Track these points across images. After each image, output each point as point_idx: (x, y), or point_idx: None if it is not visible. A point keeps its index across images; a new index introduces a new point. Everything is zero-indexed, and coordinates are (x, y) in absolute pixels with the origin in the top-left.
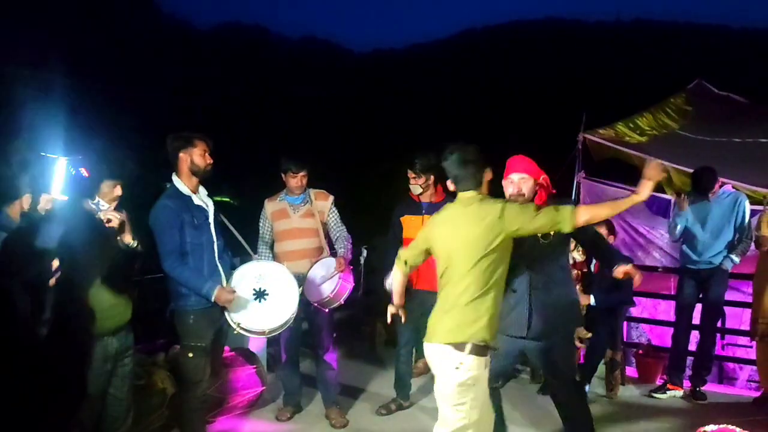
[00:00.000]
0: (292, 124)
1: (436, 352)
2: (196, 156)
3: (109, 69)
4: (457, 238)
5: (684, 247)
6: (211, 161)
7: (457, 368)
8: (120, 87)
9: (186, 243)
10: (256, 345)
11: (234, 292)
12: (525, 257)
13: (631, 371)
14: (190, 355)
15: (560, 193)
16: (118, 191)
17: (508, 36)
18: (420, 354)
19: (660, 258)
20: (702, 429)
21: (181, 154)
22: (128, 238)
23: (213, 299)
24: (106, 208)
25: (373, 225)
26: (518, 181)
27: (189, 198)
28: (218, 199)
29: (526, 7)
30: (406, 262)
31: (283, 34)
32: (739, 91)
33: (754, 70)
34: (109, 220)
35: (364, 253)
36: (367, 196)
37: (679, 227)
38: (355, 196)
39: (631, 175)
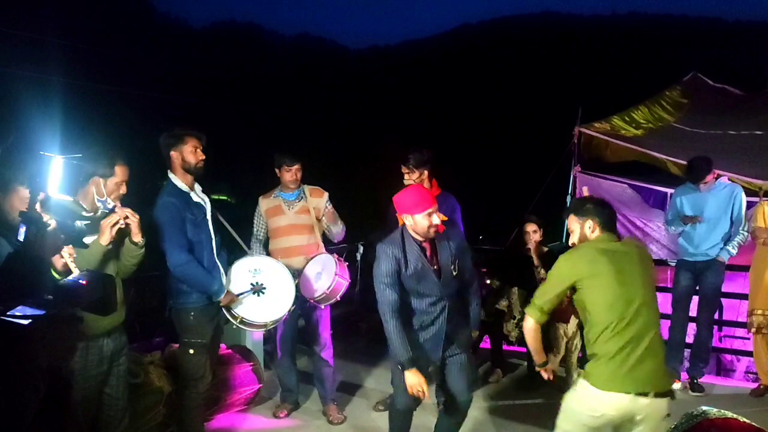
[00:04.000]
0: (288, 121)
1: (654, 406)
2: (187, 153)
3: (103, 68)
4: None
5: (680, 239)
6: (203, 158)
7: (667, 416)
8: (115, 86)
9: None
10: (253, 342)
11: (236, 295)
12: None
13: None
14: (191, 351)
15: (557, 186)
16: (123, 189)
17: (504, 31)
18: None
19: (657, 251)
20: (703, 409)
21: (172, 152)
22: (138, 237)
23: (218, 299)
24: (113, 206)
25: (369, 221)
26: (435, 212)
27: (188, 195)
28: (216, 197)
29: (521, 2)
30: (542, 309)
31: (277, 32)
32: (734, 84)
33: (749, 63)
34: (126, 217)
35: (361, 249)
36: (363, 192)
37: (676, 228)
38: (351, 193)
39: (626, 169)
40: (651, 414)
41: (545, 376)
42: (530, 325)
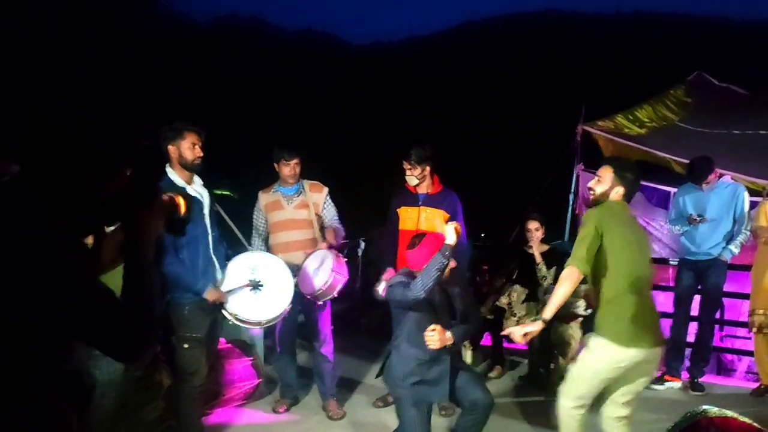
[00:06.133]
0: (291, 116)
1: (657, 353)
2: (185, 149)
3: (107, 62)
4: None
5: (682, 238)
6: (201, 154)
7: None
8: (118, 80)
9: (180, 236)
10: (253, 337)
11: (224, 292)
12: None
13: None
14: (186, 346)
15: (560, 184)
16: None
17: (508, 28)
18: None
19: (659, 250)
20: (703, 407)
21: (170, 147)
22: None
23: (204, 296)
24: None
25: (370, 217)
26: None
27: (183, 189)
28: (219, 192)
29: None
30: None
31: (281, 26)
32: (739, 83)
33: (754, 62)
34: None
35: (362, 245)
36: (364, 188)
37: (681, 228)
38: (353, 189)
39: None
40: (654, 359)
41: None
42: (573, 273)
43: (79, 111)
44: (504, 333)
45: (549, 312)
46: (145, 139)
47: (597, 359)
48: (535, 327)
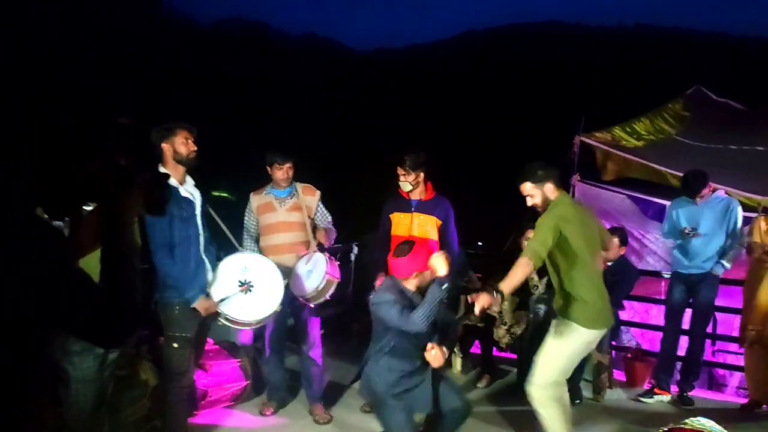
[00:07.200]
0: (291, 120)
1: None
2: (178, 144)
3: (107, 62)
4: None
5: (675, 251)
6: (195, 148)
7: None
8: (120, 82)
9: (174, 236)
10: (242, 339)
11: (215, 303)
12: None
13: (619, 374)
14: (175, 345)
15: None
16: None
17: (509, 38)
18: None
19: (654, 263)
20: (688, 419)
21: (163, 145)
22: None
23: (194, 305)
24: None
25: (364, 221)
26: None
27: (176, 189)
28: (217, 194)
29: (527, 10)
30: (540, 255)
31: (284, 31)
32: (737, 98)
33: (753, 77)
34: None
35: (355, 249)
36: (364, 188)
37: (674, 241)
38: (350, 191)
39: (625, 180)
40: (602, 335)
41: (490, 303)
42: (528, 264)
43: (70, 104)
44: (473, 301)
45: (506, 287)
46: (123, 117)
47: (570, 343)
48: (488, 299)
